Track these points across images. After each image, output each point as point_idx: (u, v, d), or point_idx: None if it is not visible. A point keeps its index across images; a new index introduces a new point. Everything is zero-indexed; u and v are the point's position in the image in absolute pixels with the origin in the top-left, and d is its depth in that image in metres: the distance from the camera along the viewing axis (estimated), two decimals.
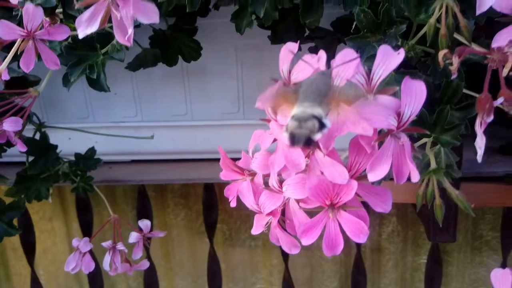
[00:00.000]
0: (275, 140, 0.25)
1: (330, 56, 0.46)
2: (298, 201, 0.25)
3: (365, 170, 0.23)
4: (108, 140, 0.54)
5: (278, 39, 0.48)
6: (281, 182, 0.26)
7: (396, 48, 0.28)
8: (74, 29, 0.32)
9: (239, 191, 0.28)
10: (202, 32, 0.51)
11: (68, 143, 0.58)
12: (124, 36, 0.23)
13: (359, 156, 0.23)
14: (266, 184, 0.27)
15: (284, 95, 0.23)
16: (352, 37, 0.32)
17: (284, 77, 0.25)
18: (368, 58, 0.31)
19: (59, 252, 0.89)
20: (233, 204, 0.29)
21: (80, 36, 0.23)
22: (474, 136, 0.27)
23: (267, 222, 0.28)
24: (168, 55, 0.48)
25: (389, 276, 0.83)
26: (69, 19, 0.32)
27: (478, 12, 0.24)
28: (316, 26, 0.40)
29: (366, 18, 0.31)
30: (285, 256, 0.80)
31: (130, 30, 0.23)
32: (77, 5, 0.22)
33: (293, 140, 0.21)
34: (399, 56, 0.21)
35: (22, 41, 0.31)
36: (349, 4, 0.35)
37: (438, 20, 0.28)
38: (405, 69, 0.30)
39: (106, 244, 0.45)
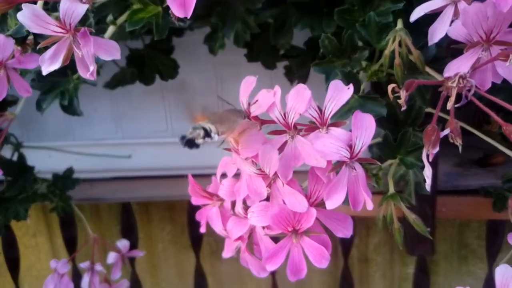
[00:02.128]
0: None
1: (304, 75, 0.47)
2: (263, 227, 0.26)
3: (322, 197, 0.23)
4: (88, 157, 0.54)
5: (254, 57, 0.48)
6: (246, 208, 0.26)
7: (359, 72, 0.29)
8: None
9: (209, 216, 0.29)
10: (180, 48, 0.51)
11: (48, 160, 0.57)
12: (86, 72, 0.24)
13: (318, 184, 0.23)
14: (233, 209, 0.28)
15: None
16: (318, 62, 0.33)
17: (244, 109, 0.25)
18: None
19: (43, 268, 0.88)
20: (202, 229, 0.30)
21: (44, 73, 0.23)
22: (451, 149, 0.27)
23: (236, 247, 0.28)
24: (145, 74, 0.49)
25: (377, 287, 0.83)
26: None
27: (430, 43, 0.24)
28: (289, 46, 0.41)
29: (331, 44, 0.32)
30: None
31: (92, 67, 0.23)
32: (39, 46, 0.22)
33: (181, 140, 0.27)
34: (349, 91, 0.22)
35: None
36: (316, 29, 0.36)
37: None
38: (369, 93, 0.31)
39: (84, 265, 0.45)
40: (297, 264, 0.24)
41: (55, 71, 0.34)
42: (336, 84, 0.22)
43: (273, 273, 0.80)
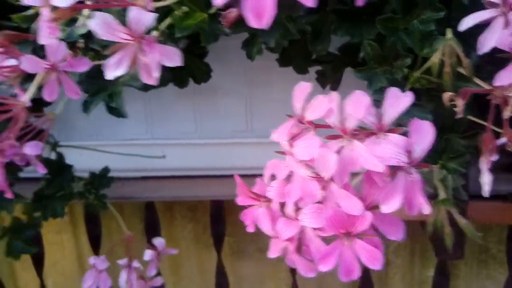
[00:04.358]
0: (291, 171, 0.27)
1: (337, 80, 0.47)
2: (315, 228, 0.27)
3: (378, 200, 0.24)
4: (118, 157, 0.56)
5: (286, 61, 0.49)
6: (297, 209, 0.27)
7: (402, 79, 0.29)
8: (93, 60, 0.34)
9: (257, 217, 0.30)
10: (212, 52, 0.53)
11: (79, 159, 0.59)
12: (150, 78, 0.25)
13: (372, 188, 0.24)
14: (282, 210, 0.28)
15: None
16: (360, 68, 0.33)
17: (299, 114, 0.26)
18: (376, 91, 0.32)
19: (67, 264, 0.90)
20: (251, 229, 0.31)
21: (108, 78, 0.25)
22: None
23: (283, 247, 0.29)
24: (179, 77, 0.50)
25: None
26: (90, 51, 0.34)
27: (480, 52, 0.25)
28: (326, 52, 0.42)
29: (373, 51, 0.33)
30: (293, 269, 0.81)
31: (156, 73, 0.24)
32: (106, 52, 0.24)
33: None
34: (407, 98, 0.23)
35: (46, 72, 0.33)
36: (356, 36, 0.36)
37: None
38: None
39: (122, 262, 0.46)
40: (349, 265, 0.25)
41: (101, 74, 0.36)
42: (395, 92, 0.23)
43: (293, 273, 0.81)
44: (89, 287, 0.46)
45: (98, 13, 0.23)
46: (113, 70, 0.24)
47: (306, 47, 0.45)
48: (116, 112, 0.36)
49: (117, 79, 0.36)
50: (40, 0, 0.23)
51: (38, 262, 0.83)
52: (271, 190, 0.29)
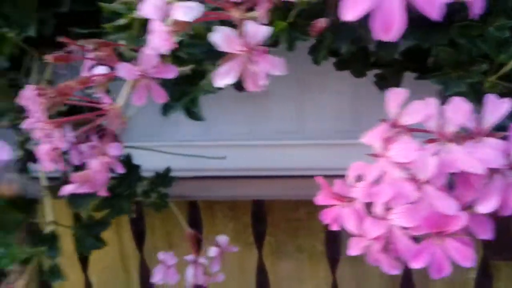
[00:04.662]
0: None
1: (397, 84, 0.48)
2: (404, 228, 0.28)
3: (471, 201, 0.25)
4: (173, 156, 0.58)
5: (344, 65, 0.51)
6: (386, 209, 0.28)
7: (478, 84, 0.31)
8: (179, 67, 0.36)
9: (341, 216, 0.31)
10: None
11: (138, 159, 0.62)
12: (255, 86, 0.27)
13: (466, 189, 0.25)
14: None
15: None
16: (435, 74, 0.35)
17: (393, 118, 0.28)
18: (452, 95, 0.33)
19: (111, 262, 0.93)
20: (336, 227, 0.32)
21: (217, 85, 0.27)
22: None
23: (367, 245, 0.31)
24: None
25: None
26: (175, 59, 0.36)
27: None
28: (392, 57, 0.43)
29: (449, 57, 0.34)
30: (333, 269, 0.83)
31: (264, 82, 0.26)
32: (218, 63, 0.26)
33: None
34: (505, 104, 0.24)
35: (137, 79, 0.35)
36: (426, 42, 0.37)
37: None
38: None
39: (189, 258, 0.48)
40: (440, 263, 0.27)
41: (182, 79, 0.38)
42: (493, 98, 0.25)
43: (334, 273, 0.82)
44: (159, 281, 0.48)
45: (221, 28, 0.25)
46: (223, 78, 0.26)
47: (364, 51, 0.47)
48: (196, 116, 0.39)
49: (198, 85, 0.39)
50: (160, 14, 0.25)
51: (84, 259, 0.87)
52: (356, 190, 0.30)
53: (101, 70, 0.37)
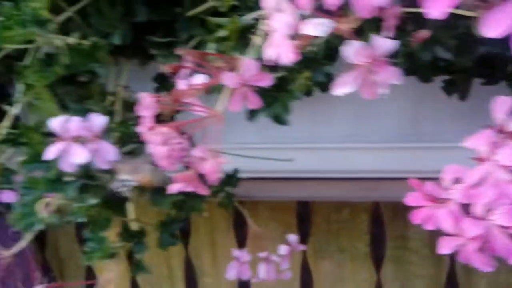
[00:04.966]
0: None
1: (467, 90, 0.50)
2: (505, 227, 0.30)
3: None
4: (238, 157, 0.60)
5: (411, 71, 0.52)
6: (487, 210, 0.30)
7: None
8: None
9: (436, 216, 0.33)
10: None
11: None
12: (371, 95, 0.29)
13: None
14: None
15: None
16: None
17: (499, 125, 0.29)
18: None
19: (155, 260, 0.96)
20: (431, 227, 0.34)
21: (336, 94, 0.29)
22: None
23: (459, 244, 0.33)
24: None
25: None
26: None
27: None
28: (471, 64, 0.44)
29: None
30: (378, 269, 0.84)
31: (384, 91, 0.28)
32: (347, 73, 0.28)
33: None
34: None
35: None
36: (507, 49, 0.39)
37: None
38: None
39: (263, 254, 0.51)
40: None
41: (275, 87, 0.40)
42: None
43: (378, 273, 0.84)
44: (233, 276, 0.50)
45: (353, 42, 0.27)
46: (343, 87, 0.28)
47: (434, 56, 0.48)
48: (282, 120, 0.41)
49: (287, 91, 0.41)
50: (288, 29, 0.27)
51: (129, 257, 0.90)
52: (454, 192, 0.32)
53: (200, 78, 0.39)
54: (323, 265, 0.90)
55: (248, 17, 0.39)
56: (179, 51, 0.40)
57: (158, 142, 0.33)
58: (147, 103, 0.33)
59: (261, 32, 0.38)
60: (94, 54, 0.45)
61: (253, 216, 0.91)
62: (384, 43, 0.27)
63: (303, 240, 0.87)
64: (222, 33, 0.37)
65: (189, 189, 0.37)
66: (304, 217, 0.86)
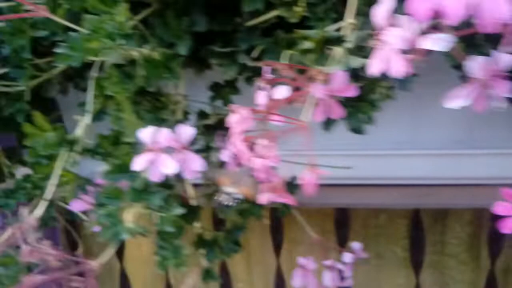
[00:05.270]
0: None
1: None
2: None
3: None
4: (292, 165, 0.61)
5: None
6: None
7: None
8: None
9: None
10: None
11: None
12: (483, 107, 0.29)
13: None
14: None
15: None
16: None
17: None
18: None
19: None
20: None
21: (448, 107, 0.29)
22: None
23: None
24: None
25: None
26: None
27: None
28: None
29: None
30: (417, 273, 0.84)
31: (499, 105, 0.29)
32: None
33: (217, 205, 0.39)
34: None
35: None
36: None
37: None
38: None
39: (327, 262, 0.51)
40: None
41: (357, 97, 0.41)
42: None
43: (417, 277, 0.84)
44: (299, 285, 0.51)
45: (478, 57, 0.28)
46: (457, 100, 0.29)
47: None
48: (360, 130, 0.41)
49: (373, 101, 0.41)
50: (405, 43, 0.28)
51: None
52: None
53: (284, 90, 0.40)
54: (358, 271, 0.90)
55: (331, 29, 0.40)
56: (263, 63, 0.40)
57: (257, 154, 0.33)
58: (243, 116, 0.34)
59: (345, 44, 0.39)
60: (167, 65, 0.46)
61: (291, 222, 0.91)
62: (506, 59, 0.28)
63: (342, 246, 0.87)
64: (307, 45, 0.38)
65: (278, 199, 0.37)
66: (342, 223, 0.86)
